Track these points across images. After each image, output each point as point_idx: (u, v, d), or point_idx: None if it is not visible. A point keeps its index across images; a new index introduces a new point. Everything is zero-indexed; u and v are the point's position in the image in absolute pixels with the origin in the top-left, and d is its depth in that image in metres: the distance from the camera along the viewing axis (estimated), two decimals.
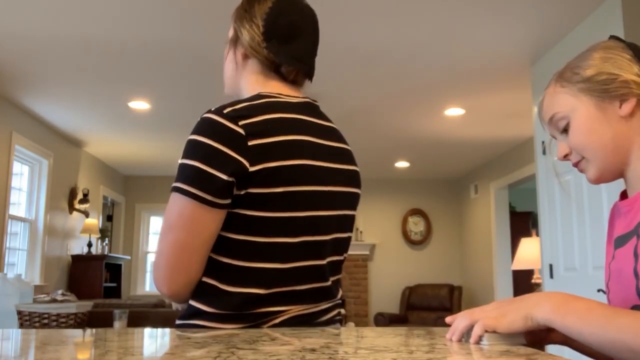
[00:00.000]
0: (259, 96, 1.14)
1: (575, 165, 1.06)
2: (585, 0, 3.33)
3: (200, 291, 1.10)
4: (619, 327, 0.79)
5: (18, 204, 5.73)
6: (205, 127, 1.06)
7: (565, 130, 1.05)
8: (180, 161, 1.07)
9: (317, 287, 1.15)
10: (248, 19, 1.21)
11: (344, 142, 1.26)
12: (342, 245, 1.23)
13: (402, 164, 8.04)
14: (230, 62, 1.27)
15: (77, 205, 6.79)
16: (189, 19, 3.58)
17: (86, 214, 7.01)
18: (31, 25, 3.68)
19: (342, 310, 1.25)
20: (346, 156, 1.23)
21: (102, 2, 3.37)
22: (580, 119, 1.02)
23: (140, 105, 5.32)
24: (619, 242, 1.00)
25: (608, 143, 1.00)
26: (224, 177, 1.03)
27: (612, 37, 1.08)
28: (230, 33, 1.27)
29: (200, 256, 1.07)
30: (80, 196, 6.82)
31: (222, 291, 1.08)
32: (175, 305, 1.18)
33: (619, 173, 1.03)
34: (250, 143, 1.04)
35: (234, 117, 1.06)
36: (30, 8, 3.44)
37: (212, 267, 1.09)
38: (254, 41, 1.20)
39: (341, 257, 1.24)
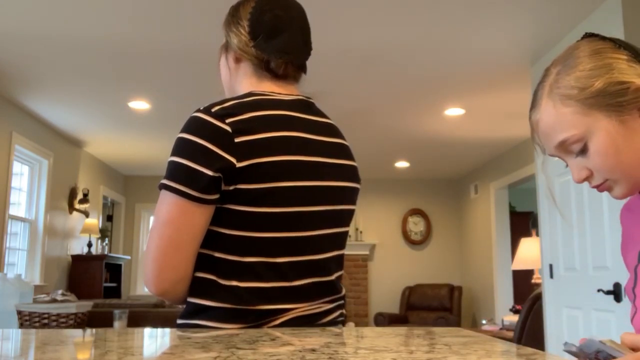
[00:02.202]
0: (249, 94, 1.16)
1: (597, 186, 0.95)
2: (585, 0, 3.33)
3: (198, 287, 1.10)
4: None
5: (18, 204, 5.73)
6: (193, 125, 1.08)
7: (578, 154, 0.94)
8: (168, 159, 1.09)
9: (318, 281, 1.15)
10: (235, 23, 1.24)
11: (341, 137, 1.26)
12: (342, 240, 1.24)
13: (402, 164, 8.04)
14: (223, 68, 1.29)
15: (77, 205, 6.79)
16: (189, 19, 3.58)
17: (86, 214, 7.01)
18: (31, 26, 3.68)
19: (344, 311, 1.25)
20: (343, 151, 1.24)
21: (102, 2, 3.37)
22: (601, 139, 0.91)
23: (140, 105, 5.32)
24: None
25: (638, 158, 0.91)
26: (210, 172, 1.04)
27: (590, 35, 0.98)
28: (223, 42, 1.29)
29: (189, 253, 1.08)
30: (80, 196, 6.82)
31: (220, 285, 1.08)
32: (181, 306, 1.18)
33: None
34: (237, 140, 1.06)
35: (222, 115, 1.08)
36: (30, 8, 3.44)
37: (207, 263, 1.10)
38: (242, 42, 1.22)
39: (342, 252, 1.24)
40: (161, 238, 1.06)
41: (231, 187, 1.06)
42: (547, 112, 0.95)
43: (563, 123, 0.93)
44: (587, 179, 0.95)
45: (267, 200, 1.07)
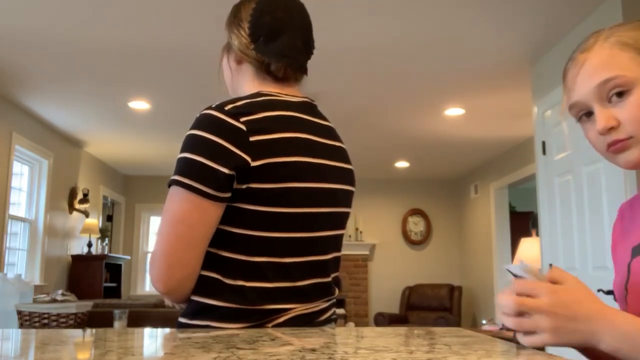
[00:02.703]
0: (258, 94, 1.16)
1: (615, 143, 0.93)
2: (585, 0, 3.33)
3: (203, 285, 1.09)
4: None
5: (18, 204, 5.73)
6: (206, 122, 1.07)
7: (615, 99, 0.92)
8: (180, 155, 1.07)
9: (318, 282, 1.16)
10: (236, 24, 1.23)
11: (340, 140, 1.28)
12: (339, 241, 1.25)
13: (402, 164, 8.04)
14: (225, 69, 1.29)
15: (77, 205, 6.79)
16: (189, 19, 3.58)
17: (86, 214, 7.01)
18: (32, 26, 3.68)
19: (342, 310, 1.27)
20: (342, 154, 1.25)
21: (102, 2, 3.37)
22: None
23: (140, 105, 5.32)
24: None
25: None
26: (225, 170, 1.03)
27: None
28: (226, 43, 1.29)
29: (199, 250, 1.07)
30: (80, 196, 6.82)
31: (225, 284, 1.08)
32: (179, 306, 1.17)
33: None
34: (252, 139, 1.05)
35: (235, 113, 1.07)
36: (30, 8, 3.44)
37: (213, 262, 1.09)
38: (242, 44, 1.22)
39: (340, 253, 1.26)
40: (172, 235, 1.05)
41: (244, 186, 1.06)
42: (601, 53, 0.93)
43: (616, 63, 0.91)
44: (612, 130, 0.92)
45: (280, 201, 1.07)
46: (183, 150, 1.07)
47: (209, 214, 1.05)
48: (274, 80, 1.21)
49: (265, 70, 1.21)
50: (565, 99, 0.99)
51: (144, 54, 4.12)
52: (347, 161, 1.26)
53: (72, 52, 4.10)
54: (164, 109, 5.47)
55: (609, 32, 0.95)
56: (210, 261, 1.09)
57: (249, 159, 1.04)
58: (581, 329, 0.76)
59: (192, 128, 1.07)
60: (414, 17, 3.56)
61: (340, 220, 1.22)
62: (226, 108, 1.07)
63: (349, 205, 1.26)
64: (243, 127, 1.06)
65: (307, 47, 1.25)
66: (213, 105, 1.09)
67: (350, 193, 1.26)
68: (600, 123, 0.92)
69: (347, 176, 1.24)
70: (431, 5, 3.41)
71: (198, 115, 1.09)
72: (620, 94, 0.91)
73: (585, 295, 0.78)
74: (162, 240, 1.06)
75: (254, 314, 1.07)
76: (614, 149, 0.93)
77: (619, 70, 0.91)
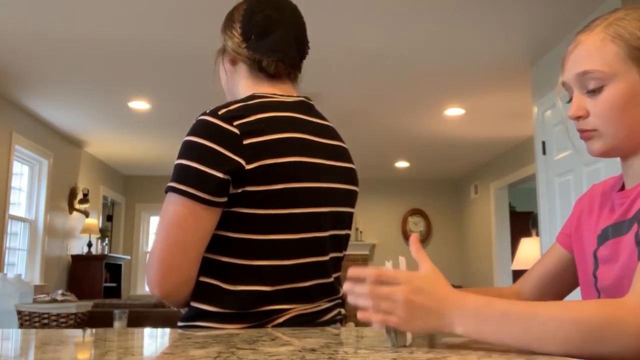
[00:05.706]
0: (252, 97, 1.16)
1: (582, 131, 0.96)
2: (585, 0, 3.33)
3: (202, 292, 1.09)
4: (541, 327, 0.73)
5: (18, 204, 5.73)
6: (200, 128, 1.08)
7: (590, 92, 0.93)
8: (176, 162, 1.08)
9: (320, 283, 1.16)
10: (229, 26, 1.25)
11: (340, 140, 1.27)
12: (341, 242, 1.24)
13: (402, 164, 8.04)
14: (221, 72, 1.30)
15: (77, 205, 6.79)
16: (188, 19, 3.58)
17: (86, 214, 7.01)
18: (31, 26, 3.68)
19: (342, 310, 1.26)
20: (342, 154, 1.24)
21: (102, 2, 3.37)
22: (620, 89, 0.91)
23: (140, 105, 5.32)
24: (616, 230, 0.95)
25: (635, 127, 0.92)
26: (220, 175, 1.04)
27: None
28: (220, 46, 1.30)
29: (195, 255, 1.07)
30: (80, 196, 6.82)
31: (224, 290, 1.08)
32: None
33: (622, 155, 0.96)
34: (245, 142, 1.06)
35: (229, 117, 1.07)
36: (30, 8, 3.44)
37: (212, 267, 1.09)
38: (235, 44, 1.22)
39: (341, 254, 1.25)
40: (167, 239, 1.06)
41: (239, 190, 1.06)
42: (593, 40, 0.94)
43: (599, 56, 0.92)
44: (580, 119, 0.95)
45: (276, 202, 1.07)
46: (178, 156, 1.08)
47: (204, 218, 1.06)
48: (267, 77, 1.22)
49: (257, 68, 1.21)
50: (561, 74, 1.01)
51: (144, 54, 4.12)
52: (348, 160, 1.25)
53: (72, 53, 4.10)
54: (164, 109, 5.47)
55: (617, 17, 0.95)
56: (209, 267, 1.09)
57: (243, 162, 1.05)
58: (433, 311, 0.76)
59: (187, 134, 1.09)
60: (414, 17, 3.56)
61: (340, 220, 1.21)
62: (219, 112, 1.08)
63: (351, 205, 1.25)
64: (236, 130, 1.06)
65: (300, 45, 1.25)
66: (207, 111, 1.10)
67: (352, 192, 1.25)
68: (571, 110, 0.96)
69: (348, 175, 1.23)
70: (431, 6, 3.41)
71: (194, 121, 1.10)
72: (596, 87, 0.93)
73: (437, 279, 0.79)
74: (157, 246, 1.07)
75: (253, 315, 1.07)
76: (580, 136, 0.97)
77: (599, 64, 0.92)
